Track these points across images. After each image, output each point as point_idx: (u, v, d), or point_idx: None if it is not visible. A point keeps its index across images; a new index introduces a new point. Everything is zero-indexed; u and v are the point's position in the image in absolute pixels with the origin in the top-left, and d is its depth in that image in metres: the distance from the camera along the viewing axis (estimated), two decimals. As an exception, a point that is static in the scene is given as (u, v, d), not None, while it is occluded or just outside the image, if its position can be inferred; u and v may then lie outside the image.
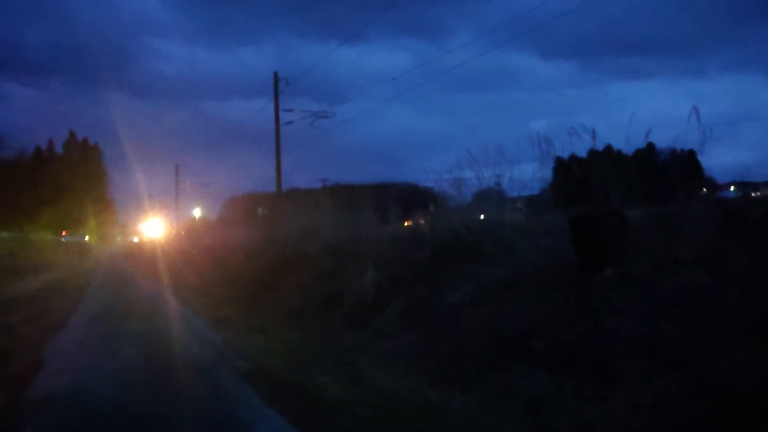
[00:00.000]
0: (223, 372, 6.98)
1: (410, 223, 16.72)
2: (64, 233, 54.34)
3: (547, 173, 9.23)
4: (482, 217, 10.75)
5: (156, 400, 5.82)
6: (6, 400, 5.90)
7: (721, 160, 6.87)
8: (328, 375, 6.62)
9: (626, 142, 8.07)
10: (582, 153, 9.24)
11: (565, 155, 8.76)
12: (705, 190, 8.52)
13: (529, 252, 7.81)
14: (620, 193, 7.57)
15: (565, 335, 5.68)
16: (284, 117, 24.12)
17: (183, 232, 37.49)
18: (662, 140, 8.34)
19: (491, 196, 10.81)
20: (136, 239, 67.41)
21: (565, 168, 9.87)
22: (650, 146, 8.75)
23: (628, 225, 6.54)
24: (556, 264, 7.04)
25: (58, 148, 61.10)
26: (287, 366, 7.15)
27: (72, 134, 62.76)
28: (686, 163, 8.69)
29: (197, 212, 44.06)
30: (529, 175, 9.56)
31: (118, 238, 71.96)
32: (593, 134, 7.95)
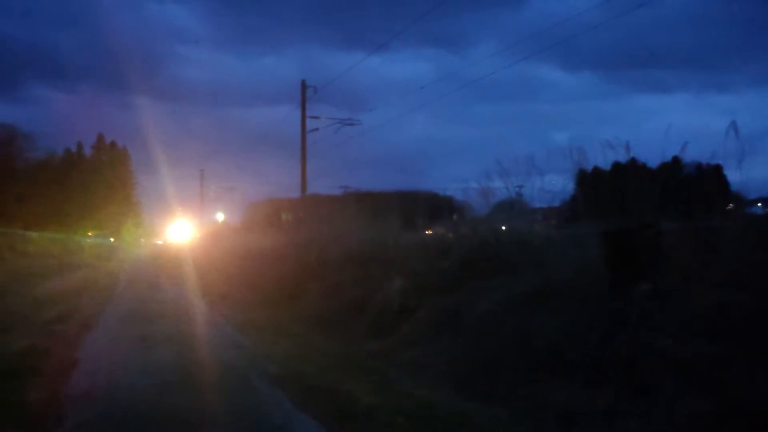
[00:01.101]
0: (254, 375, 7.05)
1: (432, 231, 16.73)
2: (90, 234, 55.19)
3: (572, 185, 9.24)
4: (505, 227, 10.74)
5: (189, 401, 5.90)
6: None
7: (747, 176, 6.80)
8: (357, 381, 6.65)
9: (652, 154, 8.05)
10: (607, 165, 9.22)
11: (598, 166, 8.73)
12: (732, 205, 8.42)
13: (560, 263, 7.77)
14: (653, 207, 7.50)
15: (599, 349, 5.64)
16: (310, 124, 24.36)
17: (207, 236, 37.85)
18: (688, 154, 8.27)
19: (513, 206, 10.81)
20: (160, 242, 68.24)
21: (595, 179, 9.82)
22: (676, 160, 8.68)
23: (663, 239, 6.48)
24: (588, 277, 7.00)
25: (87, 151, 62.30)
26: (316, 371, 7.19)
27: (100, 137, 63.96)
28: (713, 177, 8.60)
29: (221, 216, 44.51)
30: (556, 186, 9.57)
31: (143, 240, 72.88)
32: (627, 147, 7.90)
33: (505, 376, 6.10)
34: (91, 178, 53.17)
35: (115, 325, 11.12)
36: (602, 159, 8.37)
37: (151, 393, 6.17)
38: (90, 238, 55.28)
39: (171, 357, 8.05)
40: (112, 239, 62.48)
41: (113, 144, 64.69)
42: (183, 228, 51.23)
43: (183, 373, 7.08)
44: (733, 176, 7.18)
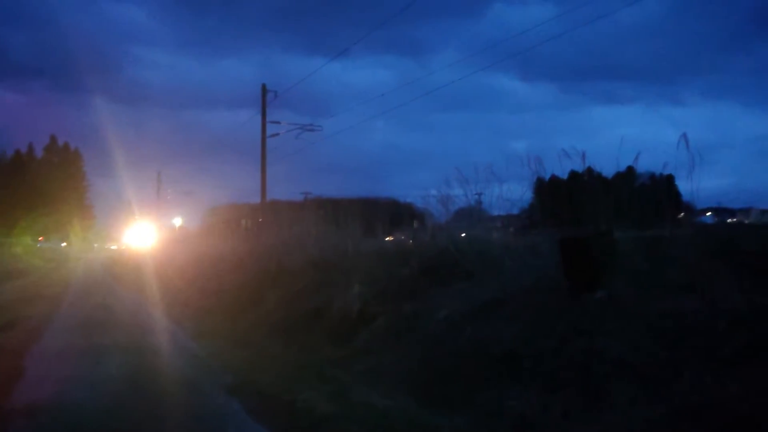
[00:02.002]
0: (209, 386, 6.89)
1: (393, 238, 16.75)
2: (41, 239, 53.45)
3: (530, 193, 9.39)
4: (465, 234, 10.83)
5: (141, 414, 5.71)
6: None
7: (697, 186, 7.03)
8: (315, 390, 6.56)
9: (607, 164, 8.24)
10: (564, 174, 9.40)
11: (556, 175, 8.88)
12: (683, 214, 8.68)
13: (517, 271, 7.85)
14: (608, 216, 7.66)
15: (555, 356, 5.70)
16: (270, 129, 24.12)
17: (164, 242, 37.07)
18: (641, 165, 8.50)
19: (472, 214, 10.90)
20: (114, 247, 66.54)
21: (552, 188, 9.99)
22: (630, 170, 8.91)
23: (617, 247, 6.61)
24: (545, 284, 7.08)
25: (38, 153, 60.33)
26: (274, 380, 7.08)
27: (53, 139, 62.08)
28: (665, 187, 8.85)
29: (178, 221, 43.67)
30: (515, 194, 9.70)
31: (96, 245, 70.92)
32: (583, 156, 8.05)
33: (463, 383, 6.10)
34: (42, 180, 51.46)
35: (64, 335, 10.73)
36: (559, 168, 8.52)
37: (99, 406, 5.95)
38: (41, 242, 53.53)
39: (122, 368, 7.80)
40: (64, 244, 60.63)
41: (66, 146, 62.87)
42: (139, 233, 50.05)
43: (134, 385, 6.87)
44: (684, 186, 7.39)
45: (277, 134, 24.21)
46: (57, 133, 62.44)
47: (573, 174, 9.11)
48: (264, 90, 23.96)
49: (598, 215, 7.71)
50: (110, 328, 11.35)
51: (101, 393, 6.44)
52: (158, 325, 12.19)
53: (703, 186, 6.99)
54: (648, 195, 9.25)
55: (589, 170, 8.83)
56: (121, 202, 54.93)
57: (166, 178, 48.88)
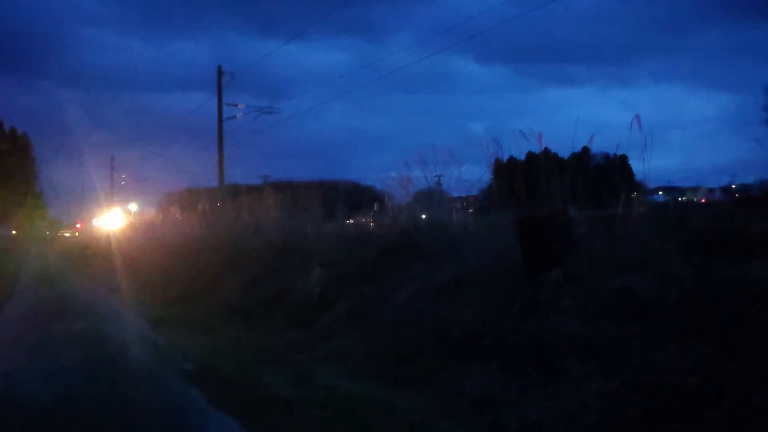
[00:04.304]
0: (168, 374, 6.78)
1: (353, 221, 16.75)
2: (-12, 227, 51.59)
3: (488, 174, 9.51)
4: (426, 216, 10.90)
5: (97, 404, 5.59)
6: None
7: (649, 166, 7.27)
8: (277, 375, 6.55)
9: (563, 145, 8.41)
10: (522, 155, 9.53)
11: (513, 156, 9.01)
12: (636, 193, 8.94)
13: (477, 252, 7.95)
14: (564, 196, 7.81)
15: (513, 334, 5.81)
16: (227, 112, 23.71)
17: (120, 228, 36.16)
18: (595, 145, 8.70)
19: (432, 196, 10.98)
20: (68, 234, 64.66)
21: (510, 169, 10.12)
22: (585, 150, 9.09)
23: (573, 226, 6.75)
24: (503, 264, 7.20)
25: (-17, 138, 57.84)
26: (234, 366, 7.02)
27: (-1, 124, 59.50)
28: (619, 167, 9.07)
29: (134, 207, 42.64)
30: (474, 175, 9.80)
31: (47, 233, 68.75)
32: (540, 138, 8.17)
33: (424, 363, 6.18)
34: (-12, 167, 49.48)
35: (15, 324, 10.41)
36: (517, 149, 8.64)
37: (54, 397, 5.80)
38: (-12, 231, 51.67)
39: (77, 358, 7.61)
40: (14, 232, 58.62)
41: (13, 130, 60.40)
42: (94, 220, 48.73)
43: (90, 375, 6.71)
44: (637, 166, 7.61)
45: (234, 117, 23.88)
46: (3, 117, 60.05)
47: (530, 155, 9.26)
48: (219, 71, 23.52)
49: (555, 195, 7.86)
50: (64, 316, 11.05)
51: (54, 385, 6.27)
52: (114, 314, 11.92)
53: (654, 166, 7.22)
54: (603, 175, 9.47)
55: (546, 151, 8.99)
56: (73, 188, 53.37)
57: (120, 164, 47.66)
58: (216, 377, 6.56)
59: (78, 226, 62.37)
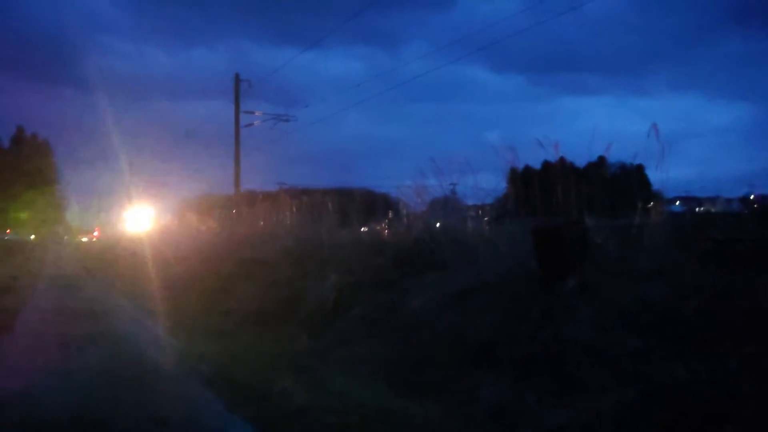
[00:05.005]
0: (184, 377, 6.83)
1: (367, 229, 16.76)
2: (8, 231, 52.30)
3: (504, 183, 9.51)
4: (439, 224, 10.89)
5: (114, 406, 5.64)
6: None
7: (666, 175, 7.22)
8: (291, 381, 6.55)
9: (579, 154, 8.37)
10: (538, 164, 9.50)
11: (529, 165, 8.99)
12: (653, 203, 8.88)
13: (492, 260, 7.92)
14: (580, 205, 7.77)
15: (528, 344, 5.78)
16: (244, 119, 23.91)
17: (137, 233, 36.50)
18: (612, 155, 8.65)
19: (447, 204, 10.98)
20: (85, 239, 65.35)
21: (525, 178, 10.10)
22: (602, 160, 9.05)
23: (589, 236, 6.71)
24: (519, 273, 7.16)
25: (5, 144, 58.79)
26: (250, 371, 7.05)
27: (20, 129, 60.42)
28: (635, 177, 9.01)
29: (152, 212, 42.95)
30: (489, 184, 9.79)
31: (66, 238, 69.54)
32: (556, 147, 8.15)
33: (439, 372, 6.16)
34: (8, 172, 50.20)
35: (34, 326, 10.54)
36: (533, 158, 8.62)
37: (73, 398, 5.86)
38: (8, 236, 52.37)
39: (95, 359, 7.68)
40: (32, 237, 59.37)
41: (34, 136, 61.28)
42: (112, 224, 49.24)
43: (108, 377, 6.77)
44: (654, 176, 7.56)
45: (251, 124, 24.05)
46: (24, 123, 60.92)
47: (546, 164, 9.22)
48: (237, 79, 23.73)
49: (571, 204, 7.82)
50: (81, 319, 11.17)
51: (73, 386, 6.34)
52: (130, 317, 12.03)
53: (671, 175, 7.18)
54: (619, 184, 9.41)
55: (562, 160, 8.95)
56: (92, 193, 53.98)
57: (138, 170, 48.05)
58: (231, 381, 6.58)
59: (95, 233, 63.04)
